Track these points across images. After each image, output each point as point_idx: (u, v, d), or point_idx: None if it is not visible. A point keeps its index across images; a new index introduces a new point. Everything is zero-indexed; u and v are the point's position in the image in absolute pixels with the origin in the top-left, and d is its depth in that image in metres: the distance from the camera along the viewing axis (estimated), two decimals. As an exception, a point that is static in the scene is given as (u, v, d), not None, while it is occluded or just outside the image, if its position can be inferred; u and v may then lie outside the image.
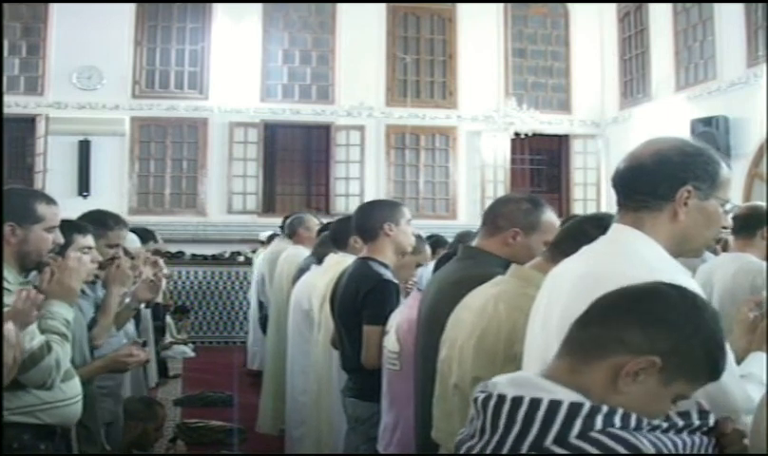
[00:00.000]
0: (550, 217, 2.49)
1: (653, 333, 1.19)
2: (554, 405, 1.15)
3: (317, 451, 3.85)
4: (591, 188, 11.87)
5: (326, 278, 3.75)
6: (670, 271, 1.52)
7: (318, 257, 4.32)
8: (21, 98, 10.58)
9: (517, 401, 1.17)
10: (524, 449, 1.15)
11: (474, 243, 2.57)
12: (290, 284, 4.85)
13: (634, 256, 1.55)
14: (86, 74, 10.76)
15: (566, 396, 1.17)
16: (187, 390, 7.56)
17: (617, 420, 1.15)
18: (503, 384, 1.23)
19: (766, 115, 7.76)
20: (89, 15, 10.52)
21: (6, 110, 9.39)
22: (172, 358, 9.12)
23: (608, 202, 11.36)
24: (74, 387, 2.48)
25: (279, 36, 11.42)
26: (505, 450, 1.17)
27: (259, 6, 11.26)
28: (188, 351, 9.89)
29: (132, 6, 10.96)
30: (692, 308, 1.24)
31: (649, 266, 1.51)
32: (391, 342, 2.89)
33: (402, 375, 2.80)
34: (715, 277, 3.19)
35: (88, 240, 2.94)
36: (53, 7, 10.68)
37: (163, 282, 7.45)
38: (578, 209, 11.46)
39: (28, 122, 10.69)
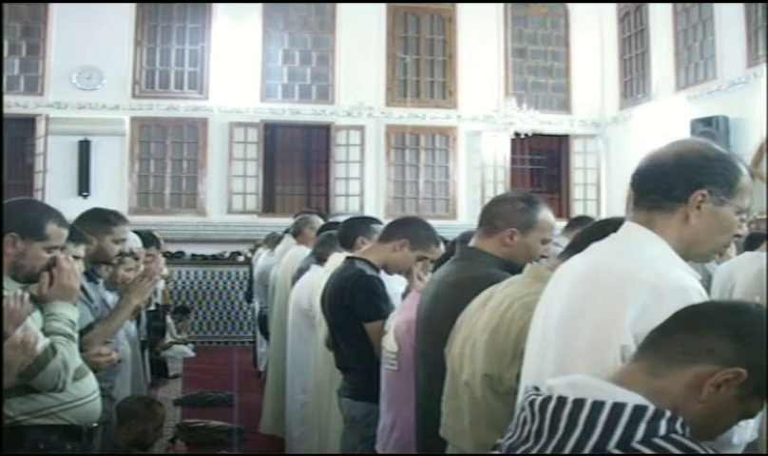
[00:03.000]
0: (546, 215, 2.49)
1: (744, 348, 1.19)
2: (618, 407, 1.14)
3: (317, 451, 3.85)
4: (591, 188, 11.86)
5: (327, 277, 3.75)
6: (676, 271, 1.52)
7: (318, 257, 4.31)
8: (21, 98, 10.59)
9: (579, 403, 1.15)
10: (586, 452, 1.13)
11: (472, 243, 2.57)
12: (292, 284, 4.84)
13: (638, 255, 1.54)
14: (86, 74, 10.77)
15: (630, 399, 1.15)
16: (187, 390, 7.57)
17: (678, 426, 1.14)
18: (561, 386, 1.21)
19: (766, 115, 7.76)
20: (89, 15, 10.53)
21: (6, 110, 9.39)
22: (172, 358, 9.12)
23: (608, 203, 11.38)
24: (89, 384, 2.50)
25: (279, 36, 11.43)
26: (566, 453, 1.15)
27: (258, 6, 11.27)
28: (188, 351, 9.89)
29: (132, 6, 10.96)
30: None
31: (653, 265, 1.50)
32: (389, 342, 2.89)
33: (400, 375, 2.80)
34: (736, 276, 3.18)
35: (79, 250, 2.94)
36: (53, 7, 10.68)
37: (162, 282, 7.48)
38: (578, 209, 11.45)
39: (28, 122, 10.70)
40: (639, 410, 1.13)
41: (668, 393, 1.19)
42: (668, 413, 1.14)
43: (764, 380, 1.21)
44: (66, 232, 2.54)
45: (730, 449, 1.46)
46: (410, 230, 3.27)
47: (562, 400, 1.17)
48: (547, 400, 1.19)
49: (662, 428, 1.13)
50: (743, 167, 1.64)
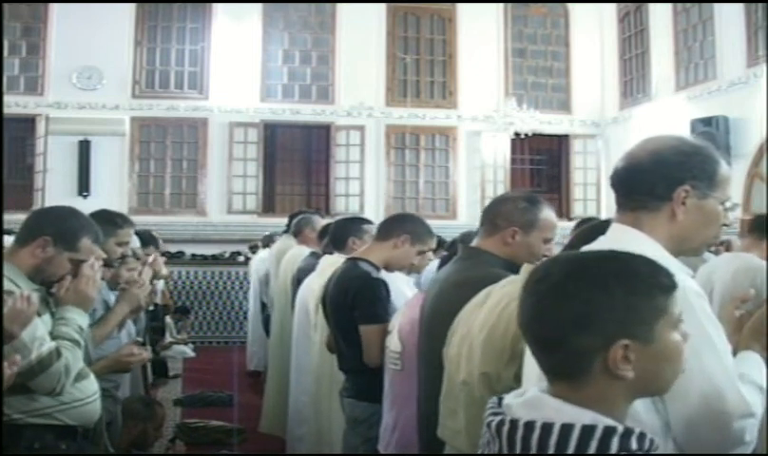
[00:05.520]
0: (548, 214, 2.51)
1: (599, 328, 1.15)
2: (566, 429, 1.12)
3: (318, 451, 3.86)
4: (591, 188, 11.86)
5: (321, 280, 3.75)
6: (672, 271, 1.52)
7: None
8: (21, 98, 10.59)
9: (530, 426, 1.15)
10: None
11: (474, 243, 2.58)
12: (292, 284, 4.84)
13: None
14: (86, 74, 10.77)
15: (578, 417, 1.13)
16: (187, 390, 7.56)
17: (633, 442, 1.11)
18: (516, 406, 1.20)
19: (766, 115, 7.76)
20: (89, 15, 10.52)
21: (6, 110, 9.39)
22: (172, 358, 9.11)
23: (608, 202, 11.37)
24: (90, 386, 2.50)
25: (279, 36, 11.43)
26: None
27: (258, 6, 11.26)
28: (188, 351, 9.88)
29: (132, 6, 10.96)
30: (597, 271, 1.18)
31: None
32: (393, 342, 2.89)
33: (404, 375, 2.80)
34: (715, 276, 3.17)
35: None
36: (53, 7, 10.68)
37: (162, 282, 7.46)
38: (578, 209, 11.47)
39: (29, 122, 10.69)
40: (587, 430, 1.11)
41: (601, 398, 1.16)
42: (621, 428, 1.11)
43: (645, 315, 1.16)
44: (97, 249, 2.57)
45: (742, 448, 1.46)
46: (408, 226, 3.28)
47: (514, 423, 1.17)
48: (501, 423, 1.19)
49: (614, 447, 1.10)
50: (720, 158, 1.65)
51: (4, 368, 2.12)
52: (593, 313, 1.16)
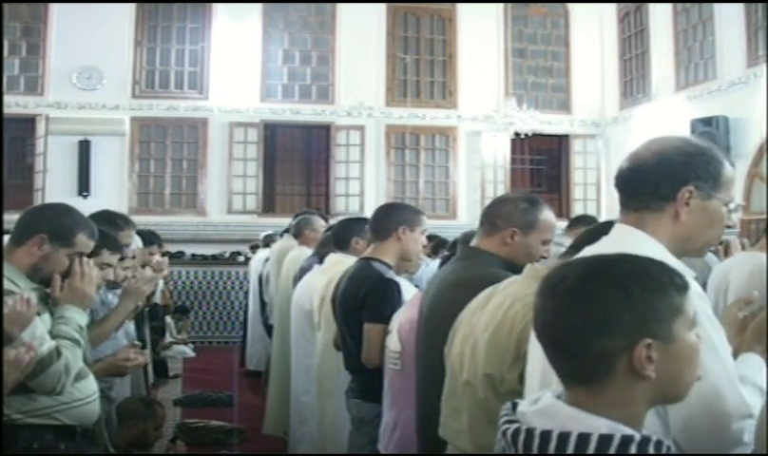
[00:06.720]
0: (548, 215, 2.51)
1: (621, 329, 1.15)
2: (583, 438, 1.11)
3: (319, 451, 3.85)
4: (591, 188, 11.87)
5: (325, 278, 3.74)
6: None
7: (321, 257, 4.32)
8: (21, 98, 10.59)
9: (546, 435, 1.14)
10: None
11: (473, 243, 2.58)
12: (294, 284, 4.84)
13: None
14: (86, 74, 10.77)
15: (595, 426, 1.13)
16: (187, 390, 7.56)
17: (651, 448, 1.11)
18: (531, 414, 1.19)
19: (766, 115, 7.76)
20: (89, 15, 10.53)
21: (6, 110, 9.39)
22: (172, 358, 9.12)
23: (608, 202, 11.38)
24: (89, 386, 2.50)
25: (279, 36, 11.43)
26: None
27: (258, 6, 11.27)
28: (188, 351, 9.88)
29: (132, 6, 10.97)
30: (613, 273, 1.18)
31: None
32: (393, 342, 2.89)
33: (403, 375, 2.80)
34: (731, 276, 3.17)
35: (113, 259, 2.96)
36: (53, 7, 10.68)
37: (162, 282, 7.45)
38: (578, 209, 11.45)
39: (29, 122, 10.70)
40: (604, 440, 1.11)
41: (621, 402, 1.16)
42: (638, 437, 1.11)
43: (664, 314, 1.16)
44: (93, 244, 2.57)
45: (741, 448, 1.46)
46: (398, 216, 3.29)
47: (530, 432, 1.16)
48: (517, 431, 1.18)
49: (633, 453, 1.10)
50: (724, 159, 1.65)
51: (21, 353, 2.13)
52: (614, 313, 1.16)
